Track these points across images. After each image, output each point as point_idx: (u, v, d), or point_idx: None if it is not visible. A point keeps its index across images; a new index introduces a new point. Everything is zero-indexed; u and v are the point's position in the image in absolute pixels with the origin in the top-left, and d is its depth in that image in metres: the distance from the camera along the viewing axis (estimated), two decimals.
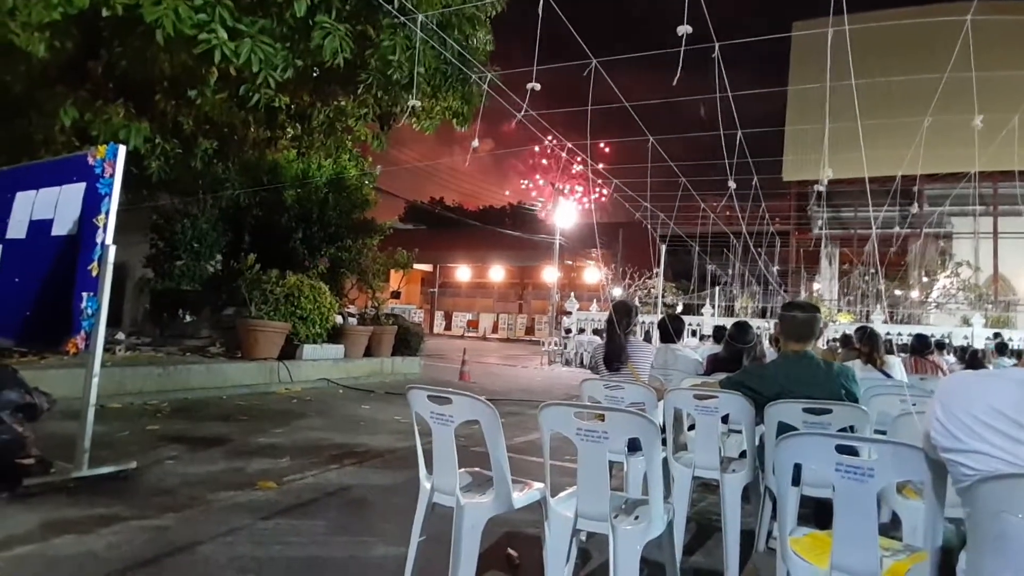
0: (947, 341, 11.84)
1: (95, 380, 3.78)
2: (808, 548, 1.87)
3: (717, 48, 3.95)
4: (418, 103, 5.26)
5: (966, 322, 17.06)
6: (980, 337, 14.41)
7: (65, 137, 7.27)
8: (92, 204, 4.01)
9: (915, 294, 21.62)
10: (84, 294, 3.86)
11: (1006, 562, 1.29)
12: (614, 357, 3.64)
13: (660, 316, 7.65)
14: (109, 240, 3.85)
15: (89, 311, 3.82)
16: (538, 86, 4.30)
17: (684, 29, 3.40)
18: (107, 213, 3.90)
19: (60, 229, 4.19)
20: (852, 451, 1.86)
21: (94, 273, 3.85)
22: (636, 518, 2.15)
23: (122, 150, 4.00)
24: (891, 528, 2.87)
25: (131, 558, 2.68)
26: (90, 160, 4.12)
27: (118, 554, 2.71)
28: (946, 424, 1.40)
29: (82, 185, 4.14)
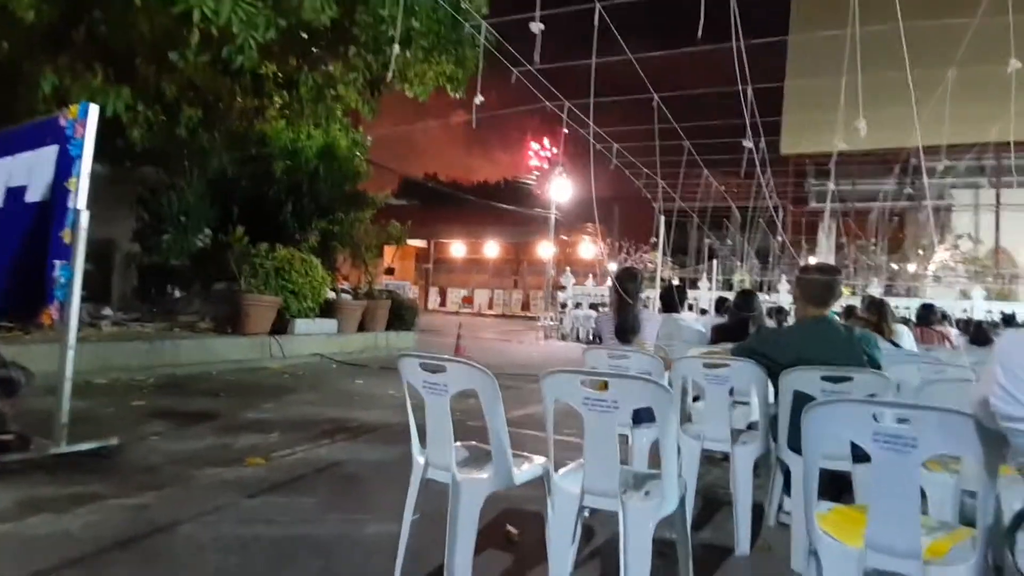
0: (949, 314, 11.72)
1: (71, 353, 3.58)
2: (835, 524, 1.72)
3: (735, 8, 3.69)
4: (397, 49, 4.92)
5: (965, 295, 16.96)
6: (980, 310, 14.33)
7: (47, 106, 6.99)
8: (64, 167, 3.78)
9: (913, 267, 21.50)
10: (56, 262, 3.65)
11: None
12: (628, 328, 3.45)
13: (660, 290, 7.48)
14: (82, 205, 3.63)
15: (62, 280, 3.61)
16: (541, 26, 4.00)
17: None
18: (79, 176, 3.66)
19: (33, 195, 3.96)
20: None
21: (67, 240, 3.63)
22: (647, 493, 2.00)
23: (94, 109, 3.75)
24: None
25: (107, 538, 2.52)
26: (61, 121, 3.87)
27: (93, 534, 2.55)
28: (1010, 389, 1.22)
29: (54, 148, 3.90)
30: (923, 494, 2.40)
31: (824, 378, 2.46)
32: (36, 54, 6.93)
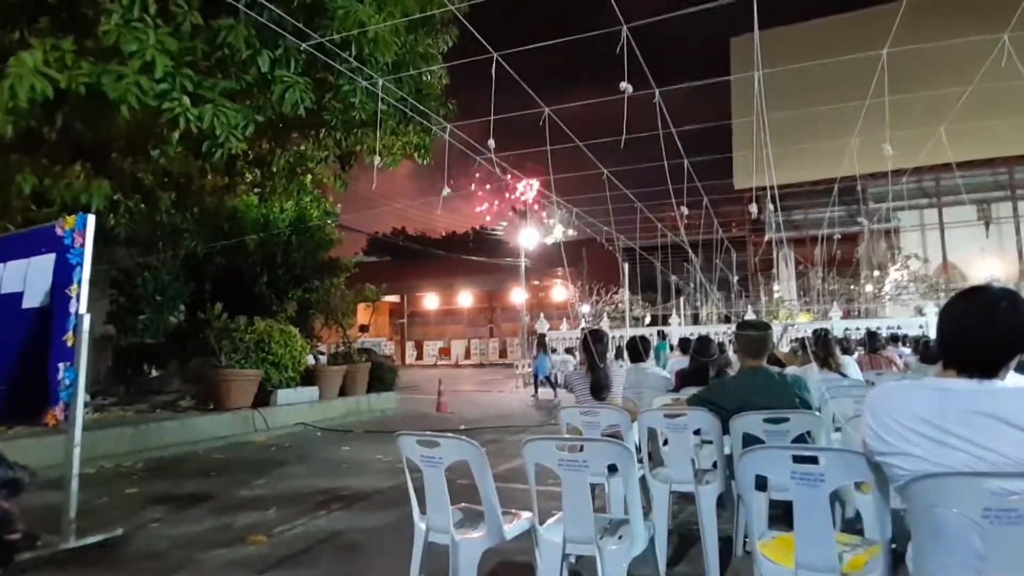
0: (902, 333, 12.39)
1: (77, 450, 3.78)
2: (775, 550, 2.06)
3: (658, 94, 4.24)
4: (379, 160, 5.40)
5: (919, 312, 17.80)
6: (934, 326, 15.06)
7: (21, 202, 7.19)
8: (63, 275, 4.04)
9: (869, 289, 22.49)
10: (60, 365, 3.88)
11: (946, 549, 1.48)
12: (602, 387, 3.80)
13: (629, 332, 7.88)
14: (83, 310, 3.89)
15: (67, 382, 3.84)
16: (492, 143, 4.54)
17: (625, 86, 3.67)
18: (80, 283, 3.94)
19: (31, 301, 4.19)
20: (811, 457, 2.05)
21: (70, 343, 3.87)
22: (620, 538, 2.32)
23: (91, 220, 4.06)
24: (857, 522, 3.09)
25: None
26: (58, 231, 4.16)
27: None
28: (877, 431, 1.60)
29: (51, 256, 4.17)
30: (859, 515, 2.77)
31: (766, 420, 2.84)
32: (6, 154, 7.14)
